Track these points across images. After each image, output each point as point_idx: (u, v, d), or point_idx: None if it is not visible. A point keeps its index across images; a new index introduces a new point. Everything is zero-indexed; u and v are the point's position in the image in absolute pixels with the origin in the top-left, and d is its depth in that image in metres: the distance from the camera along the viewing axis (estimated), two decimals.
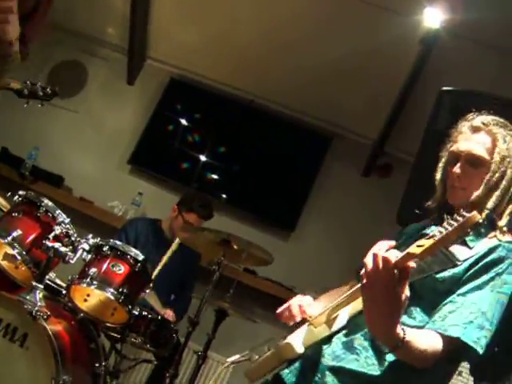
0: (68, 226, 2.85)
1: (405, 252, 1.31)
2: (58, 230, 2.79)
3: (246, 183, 5.36)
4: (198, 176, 5.43)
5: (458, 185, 1.68)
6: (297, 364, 1.60)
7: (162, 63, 5.75)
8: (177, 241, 3.72)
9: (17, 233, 2.70)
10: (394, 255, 1.32)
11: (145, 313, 3.18)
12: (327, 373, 1.52)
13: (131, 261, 2.92)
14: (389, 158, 5.15)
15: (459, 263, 1.50)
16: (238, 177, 5.41)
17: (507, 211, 1.63)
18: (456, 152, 1.70)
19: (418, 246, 1.29)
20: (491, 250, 1.53)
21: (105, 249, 2.90)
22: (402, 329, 1.38)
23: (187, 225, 4.14)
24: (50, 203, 2.86)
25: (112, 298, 2.81)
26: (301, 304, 1.82)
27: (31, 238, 2.76)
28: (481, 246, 1.56)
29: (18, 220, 2.80)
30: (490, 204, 1.61)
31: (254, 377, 1.71)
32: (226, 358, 4.78)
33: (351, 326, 1.60)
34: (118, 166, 5.54)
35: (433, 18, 4.17)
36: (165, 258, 3.70)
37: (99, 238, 2.92)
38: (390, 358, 1.51)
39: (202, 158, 5.50)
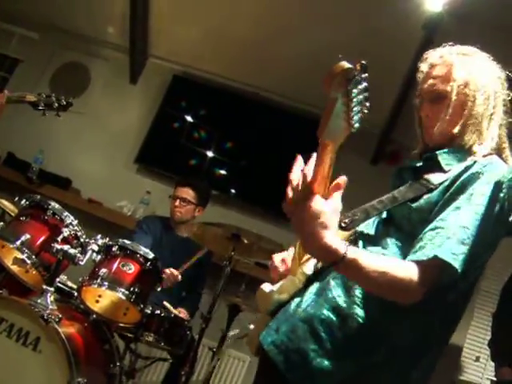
0: (76, 227, 2.84)
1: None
2: (66, 232, 2.79)
3: (254, 177, 5.33)
4: (206, 172, 5.40)
5: (429, 125, 1.64)
6: (272, 322, 1.56)
7: (164, 60, 5.72)
8: (203, 251, 3.70)
9: (25, 237, 2.71)
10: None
11: (157, 311, 3.16)
12: (299, 324, 1.47)
13: (141, 259, 2.92)
14: (397, 146, 5.10)
15: (433, 187, 1.47)
16: (246, 171, 5.38)
17: (487, 136, 1.55)
18: (420, 94, 1.68)
19: None
20: (467, 169, 1.46)
21: (114, 249, 2.90)
22: (347, 247, 1.33)
23: (173, 200, 4.13)
24: (57, 206, 2.86)
25: (123, 297, 2.80)
26: (283, 257, 1.80)
27: (40, 241, 2.76)
28: (456, 168, 1.50)
29: (26, 224, 2.80)
30: (467, 138, 1.55)
31: (253, 345, 1.68)
32: (241, 354, 4.79)
33: (324, 271, 1.56)
34: (125, 166, 5.52)
35: (434, 2, 4.11)
36: (187, 265, 3.69)
37: (108, 238, 2.91)
38: (359, 291, 1.44)
39: (209, 153, 5.47)
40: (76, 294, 2.94)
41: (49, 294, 2.58)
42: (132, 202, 5.20)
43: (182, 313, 3.74)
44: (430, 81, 1.63)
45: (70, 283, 3.13)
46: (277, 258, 1.80)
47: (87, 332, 2.76)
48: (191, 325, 3.49)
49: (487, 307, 3.32)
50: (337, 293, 1.47)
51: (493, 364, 3.27)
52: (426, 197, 1.47)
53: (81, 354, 2.55)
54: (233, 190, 5.36)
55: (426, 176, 1.51)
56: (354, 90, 1.19)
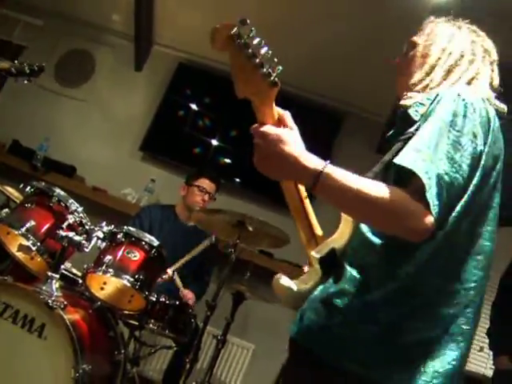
0: (81, 214, 2.84)
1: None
2: (71, 219, 2.79)
3: None
4: (211, 160, 5.40)
5: (397, 72, 1.74)
6: (298, 312, 1.56)
7: (169, 48, 5.71)
8: (211, 239, 3.70)
9: (30, 224, 2.71)
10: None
11: (162, 299, 3.17)
12: (319, 305, 1.47)
13: (146, 247, 2.92)
14: None
15: (412, 134, 1.44)
16: (251, 160, 5.35)
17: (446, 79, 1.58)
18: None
19: None
20: (432, 102, 1.46)
21: (119, 236, 2.90)
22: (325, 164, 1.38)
23: (201, 192, 4.12)
24: (62, 193, 2.86)
25: (128, 284, 2.80)
26: None
27: (45, 228, 2.76)
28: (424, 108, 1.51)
29: (31, 211, 2.80)
30: (413, 80, 1.62)
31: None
32: (245, 342, 4.81)
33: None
34: (130, 154, 5.52)
35: None
36: (192, 253, 3.69)
37: (113, 226, 2.91)
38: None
39: (214, 142, 5.47)
40: (81, 281, 2.94)
41: (54, 281, 2.58)
42: (136, 190, 5.20)
43: (189, 293, 3.73)
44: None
45: (74, 270, 3.13)
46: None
47: (92, 319, 2.76)
48: (196, 312, 3.49)
49: (491, 297, 3.32)
50: (351, 271, 1.47)
51: None
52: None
53: (85, 341, 2.55)
54: (237, 179, 5.35)
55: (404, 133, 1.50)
56: (248, 45, 1.26)
